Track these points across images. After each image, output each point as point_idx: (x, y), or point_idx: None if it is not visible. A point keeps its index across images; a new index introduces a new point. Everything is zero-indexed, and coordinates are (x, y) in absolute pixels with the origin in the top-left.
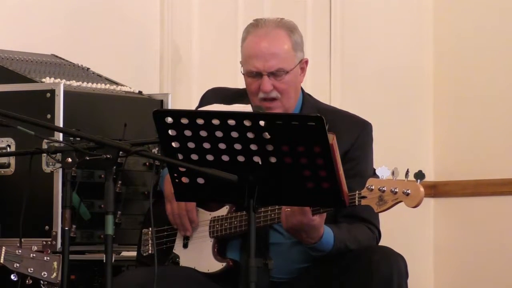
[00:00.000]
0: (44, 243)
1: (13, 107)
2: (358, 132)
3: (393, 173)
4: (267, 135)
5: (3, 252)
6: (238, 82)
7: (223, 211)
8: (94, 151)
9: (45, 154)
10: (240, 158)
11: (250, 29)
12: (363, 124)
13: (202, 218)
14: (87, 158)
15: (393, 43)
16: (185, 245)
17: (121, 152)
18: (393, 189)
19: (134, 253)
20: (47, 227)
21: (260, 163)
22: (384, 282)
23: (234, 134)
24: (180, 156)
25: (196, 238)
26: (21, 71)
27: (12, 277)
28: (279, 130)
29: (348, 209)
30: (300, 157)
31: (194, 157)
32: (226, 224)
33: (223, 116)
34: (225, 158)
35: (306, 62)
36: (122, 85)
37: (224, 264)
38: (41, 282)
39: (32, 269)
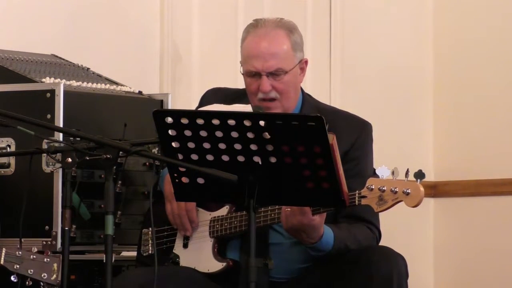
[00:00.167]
0: (44, 243)
1: (13, 107)
2: (358, 132)
3: (393, 173)
4: (267, 135)
5: (3, 253)
6: (238, 82)
7: (223, 211)
8: (94, 151)
9: (45, 154)
10: (240, 158)
11: (249, 29)
12: (363, 124)
13: (202, 218)
14: (87, 158)
15: (393, 43)
16: (185, 245)
17: (121, 152)
18: (393, 189)
19: (134, 253)
20: (47, 227)
21: (260, 163)
22: (384, 282)
23: (234, 134)
24: (180, 156)
25: (196, 238)
26: (21, 71)
27: (12, 278)
28: (279, 130)
29: (348, 209)
30: (300, 157)
31: (194, 157)
32: (226, 224)
33: (223, 116)
34: (225, 158)
35: (306, 62)
36: (122, 85)
37: (224, 264)
38: (41, 283)
39: (32, 270)
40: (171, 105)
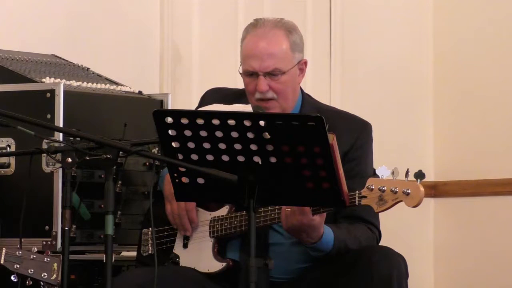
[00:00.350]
0: (44, 243)
1: (13, 107)
2: (358, 133)
3: (393, 173)
4: (267, 135)
5: (3, 253)
6: (238, 82)
7: (223, 211)
8: (94, 151)
9: (45, 154)
10: (240, 158)
11: (249, 29)
12: (363, 125)
13: (202, 218)
14: (87, 158)
15: (393, 43)
16: (185, 245)
17: (121, 152)
18: (393, 189)
19: (134, 253)
20: (47, 227)
21: (260, 163)
22: (384, 282)
23: (234, 134)
24: (180, 156)
25: (196, 238)
26: (21, 71)
27: (12, 278)
28: (279, 130)
29: (348, 209)
30: (300, 157)
31: (194, 157)
32: (226, 224)
33: (223, 116)
34: (225, 158)
35: (305, 63)
36: (122, 85)
37: (224, 264)
38: (41, 283)
39: (32, 270)
40: (171, 105)
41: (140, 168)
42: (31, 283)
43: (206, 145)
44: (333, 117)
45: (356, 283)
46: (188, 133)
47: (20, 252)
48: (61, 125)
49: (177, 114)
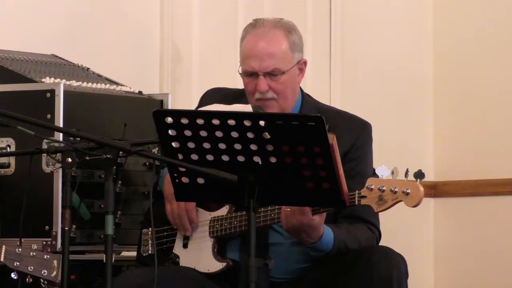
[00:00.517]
0: (44, 243)
1: (13, 107)
2: (358, 133)
3: (392, 173)
4: (267, 135)
5: (3, 251)
6: (238, 82)
7: (223, 211)
8: (94, 151)
9: (45, 154)
10: (240, 158)
11: (248, 29)
12: (363, 125)
13: (202, 218)
14: (87, 158)
15: (393, 43)
16: (185, 245)
17: (121, 152)
18: (392, 189)
19: (134, 253)
20: (47, 227)
21: (260, 163)
22: (384, 282)
23: (234, 134)
24: (180, 156)
25: (196, 238)
26: (21, 71)
27: (12, 275)
28: (279, 130)
29: (348, 209)
30: (300, 157)
31: (194, 157)
32: (226, 224)
33: (223, 116)
34: (225, 158)
35: (305, 63)
36: (122, 85)
37: (224, 264)
38: (41, 280)
39: (32, 267)
40: (171, 105)
41: (140, 168)
42: (31, 280)
43: (206, 145)
44: (333, 117)
45: (356, 283)
46: (188, 133)
47: (20, 250)
48: (61, 125)
49: (177, 114)
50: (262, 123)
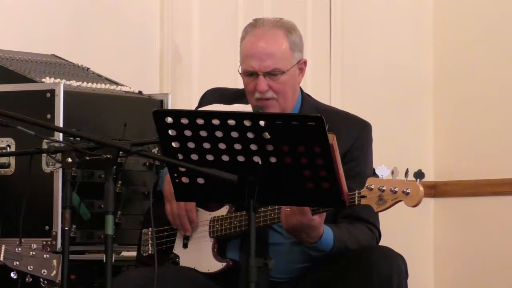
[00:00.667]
0: (44, 243)
1: (13, 107)
2: (358, 133)
3: (392, 173)
4: (267, 135)
5: (3, 250)
6: (238, 82)
7: (223, 211)
8: (94, 151)
9: (45, 154)
10: (240, 158)
11: (248, 29)
12: (363, 125)
13: (202, 218)
14: (87, 158)
15: (393, 43)
16: (185, 245)
17: (121, 152)
18: (392, 189)
19: (134, 253)
20: (47, 227)
21: (260, 163)
22: (384, 282)
23: (234, 134)
24: (180, 156)
25: (196, 238)
26: (21, 71)
27: (12, 275)
28: (279, 130)
29: (348, 209)
30: (300, 157)
31: (194, 157)
32: (226, 224)
33: (223, 116)
34: (225, 158)
35: (305, 62)
36: (122, 85)
37: (224, 264)
38: (41, 280)
39: (31, 267)
40: (171, 105)
41: (140, 168)
42: (31, 280)
43: (206, 145)
44: (333, 117)
45: (356, 283)
46: (188, 133)
47: (20, 249)
48: (61, 125)
49: (177, 114)
50: (262, 123)
